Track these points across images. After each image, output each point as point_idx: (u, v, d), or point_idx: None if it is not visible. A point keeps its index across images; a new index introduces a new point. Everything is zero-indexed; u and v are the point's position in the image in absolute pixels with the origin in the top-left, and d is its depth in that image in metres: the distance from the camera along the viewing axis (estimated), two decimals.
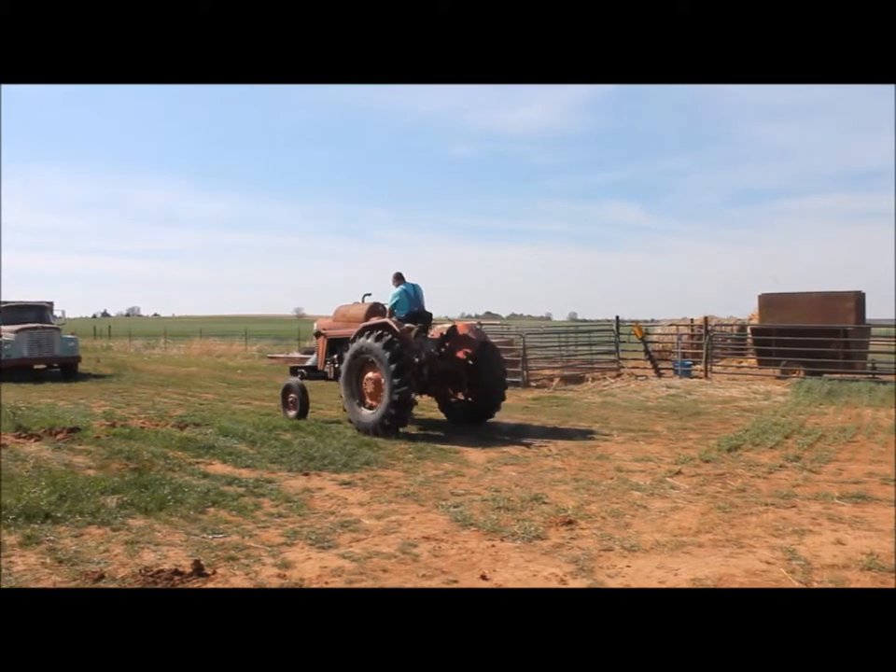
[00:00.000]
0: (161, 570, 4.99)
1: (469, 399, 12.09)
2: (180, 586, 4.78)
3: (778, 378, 19.56)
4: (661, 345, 25.71)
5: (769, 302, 21.65)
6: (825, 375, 18.59)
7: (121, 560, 5.26)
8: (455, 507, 6.79)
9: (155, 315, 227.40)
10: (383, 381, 10.75)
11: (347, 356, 11.33)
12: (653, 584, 4.85)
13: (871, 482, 7.84)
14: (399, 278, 12.00)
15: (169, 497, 6.86)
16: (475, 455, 9.47)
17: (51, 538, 5.70)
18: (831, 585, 4.78)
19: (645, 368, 22.02)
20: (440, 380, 11.78)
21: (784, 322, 20.54)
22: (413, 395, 10.78)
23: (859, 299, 20.42)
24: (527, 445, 10.15)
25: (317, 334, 13.16)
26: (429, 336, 11.73)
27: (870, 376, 19.23)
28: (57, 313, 23.24)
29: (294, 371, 13.43)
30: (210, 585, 4.83)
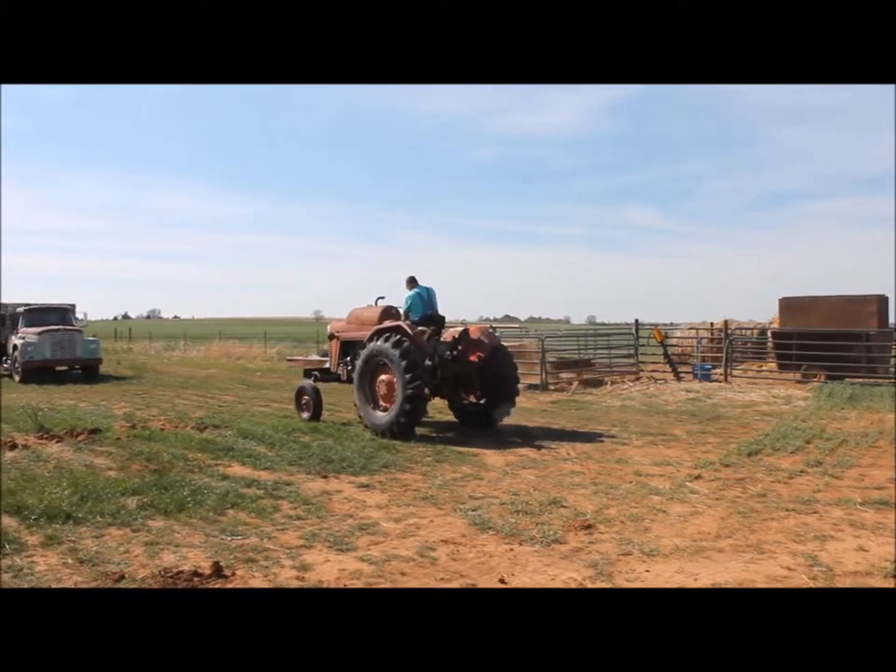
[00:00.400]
0: (181, 571, 5.02)
1: (481, 401, 12.08)
2: (199, 587, 4.80)
3: (799, 382, 19.39)
4: (680, 349, 25.57)
5: (790, 306, 21.47)
6: (847, 379, 18.40)
7: (141, 561, 5.29)
8: (473, 510, 6.78)
9: (175, 317, 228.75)
10: (395, 383, 10.81)
11: (360, 358, 11.41)
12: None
13: (893, 487, 7.75)
14: (412, 282, 12.06)
15: (188, 499, 6.90)
16: (493, 458, 9.45)
17: (73, 538, 5.75)
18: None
19: (664, 371, 21.90)
20: (452, 382, 11.80)
21: (805, 326, 20.36)
22: (425, 393, 10.80)
23: (881, 303, 20.21)
24: (546, 449, 10.12)
25: (331, 336, 13.26)
26: (442, 339, 11.75)
27: (892, 381, 19.02)
28: (79, 315, 23.48)
29: (307, 374, 13.55)
30: (229, 587, 4.85)
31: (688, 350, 25.20)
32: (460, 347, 11.72)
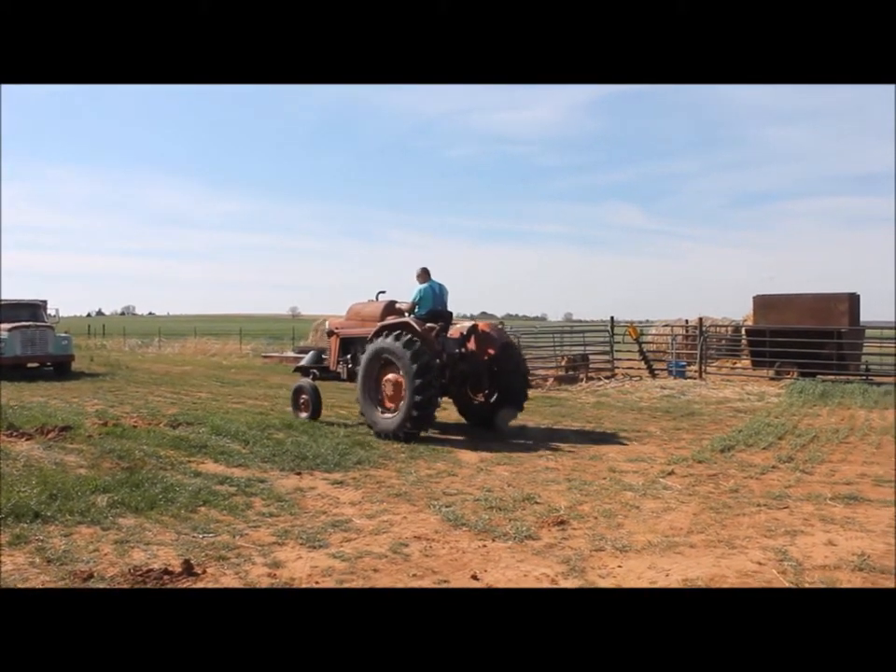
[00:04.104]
0: (151, 570, 4.96)
1: (490, 401, 11.63)
2: (169, 586, 4.75)
3: (772, 379, 19.58)
4: (655, 346, 25.75)
5: (764, 304, 21.67)
6: (819, 377, 18.61)
7: (111, 559, 5.23)
8: (446, 507, 6.77)
9: (150, 313, 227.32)
10: (403, 383, 10.31)
11: (365, 356, 10.87)
12: (644, 585, 4.83)
13: (863, 483, 7.85)
14: (425, 274, 11.43)
15: (160, 496, 6.83)
16: (468, 454, 9.45)
17: (41, 537, 5.67)
18: (822, 586, 4.77)
19: (639, 368, 22.03)
20: (459, 381, 11.36)
21: (778, 323, 20.56)
22: (435, 394, 10.35)
23: (853, 301, 20.45)
24: (520, 445, 10.13)
25: (330, 333, 12.76)
26: (449, 336, 11.31)
27: (863, 378, 19.26)
28: (51, 311, 23.18)
29: (305, 372, 13.05)
30: (200, 585, 4.80)
31: (663, 347, 25.38)
32: (469, 344, 11.35)
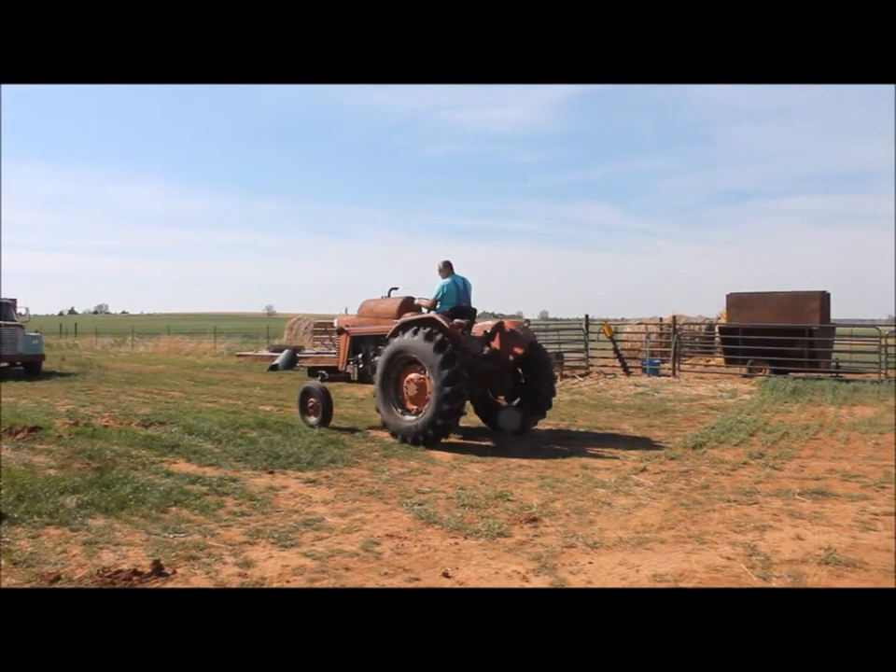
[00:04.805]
0: (120, 571, 4.91)
1: (513, 404, 11.04)
2: (139, 586, 4.71)
3: (745, 376, 19.76)
4: (630, 344, 25.90)
5: (737, 302, 21.85)
6: (790, 374, 18.81)
7: (79, 561, 5.17)
8: (419, 505, 6.77)
9: (123, 312, 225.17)
10: (428, 384, 9.76)
11: (384, 354, 10.25)
12: (615, 580, 4.86)
13: (831, 478, 7.95)
14: (448, 267, 10.82)
15: (131, 497, 6.77)
16: (441, 453, 9.45)
17: (7, 539, 5.59)
18: (789, 580, 4.82)
19: (614, 366, 22.15)
20: (482, 383, 10.66)
21: (751, 321, 20.75)
22: (465, 395, 9.73)
23: (823, 299, 20.68)
24: (494, 443, 10.15)
25: (340, 331, 12.12)
26: (472, 334, 10.65)
27: (833, 375, 19.50)
28: (20, 310, 22.87)
29: (313, 373, 12.40)
30: (170, 585, 4.77)
31: (637, 345, 25.52)
32: (494, 343, 10.63)
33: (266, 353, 28.65)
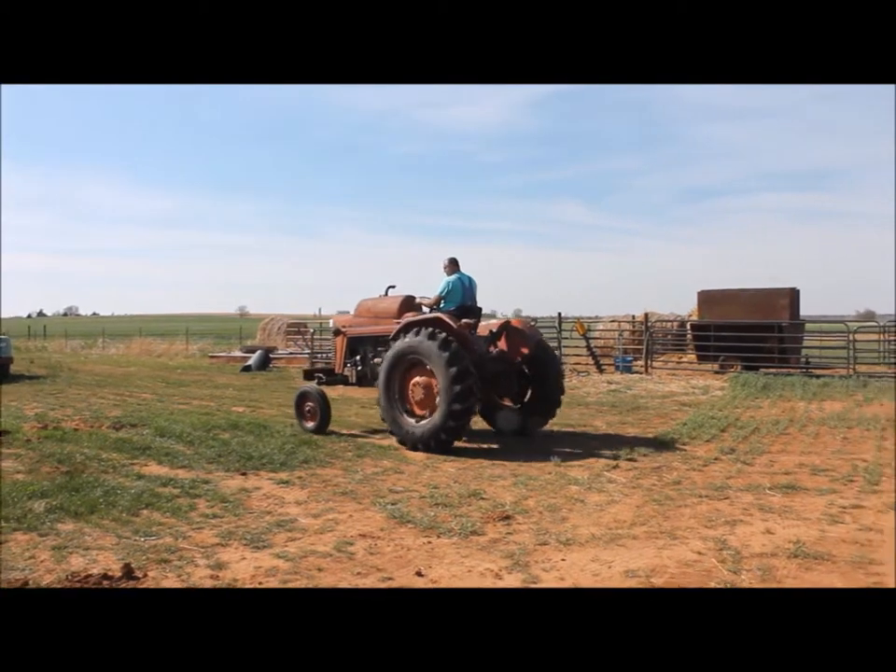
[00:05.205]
0: (90, 575, 4.86)
1: (519, 405, 10.73)
2: (106, 588, 4.66)
3: (717, 373, 19.96)
4: (602, 341, 26.04)
5: (708, 299, 22.06)
6: (761, 370, 19.02)
7: (48, 566, 5.10)
8: (392, 504, 6.76)
9: (94, 314, 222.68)
10: (435, 386, 9.38)
11: (388, 356, 9.82)
12: (587, 577, 4.89)
13: (801, 472, 8.05)
14: (453, 264, 10.40)
15: (101, 500, 6.70)
16: (415, 452, 9.44)
17: None
18: (759, 573, 4.87)
19: (587, 364, 22.26)
20: (488, 384, 10.01)
21: (722, 318, 20.96)
22: (476, 399, 9.34)
23: (793, 295, 20.95)
24: (467, 441, 10.15)
25: (336, 332, 11.60)
26: (478, 333, 10.30)
27: (803, 370, 19.74)
28: None
29: (310, 376, 11.89)
30: (140, 587, 4.72)
31: (610, 343, 25.67)
32: (500, 343, 10.31)
33: (239, 354, 28.48)
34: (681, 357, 23.96)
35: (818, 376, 18.22)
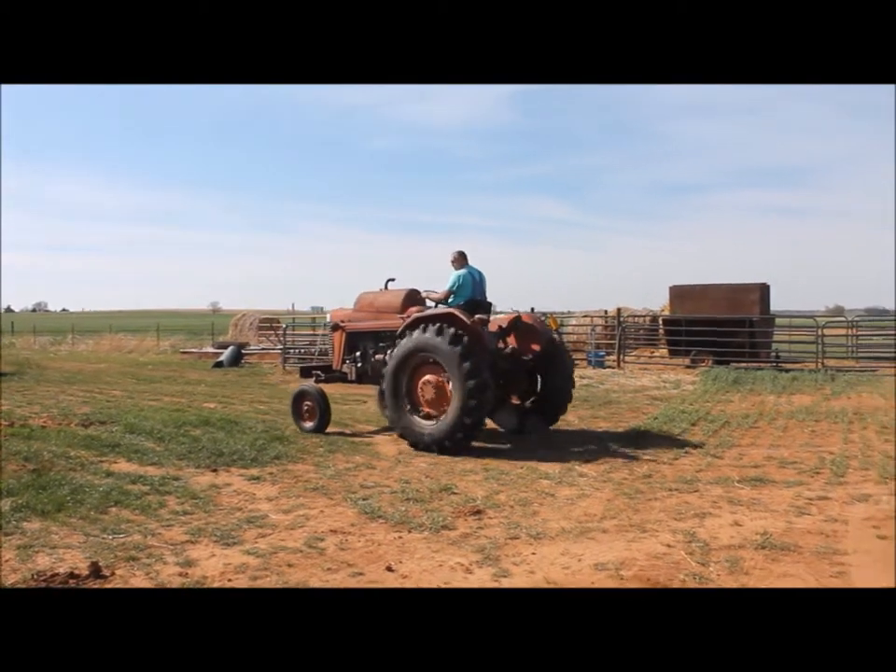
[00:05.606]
0: (56, 574, 4.79)
1: (528, 404, 10.37)
2: (73, 587, 4.61)
3: (688, 367, 20.12)
4: (575, 336, 26.15)
5: (680, 294, 22.23)
6: (732, 364, 19.21)
7: (12, 565, 5.02)
8: (364, 499, 6.75)
9: (64, 310, 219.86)
10: (447, 385, 9.07)
11: (395, 354, 9.42)
12: (557, 570, 4.91)
13: (769, 465, 8.15)
14: (462, 257, 10.03)
15: (68, 498, 6.61)
16: (387, 447, 9.44)
17: None
18: (727, 565, 4.92)
19: None
20: (498, 382, 9.54)
21: (694, 313, 21.13)
22: (491, 399, 9.03)
23: (763, 291, 21.17)
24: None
25: (334, 328, 11.13)
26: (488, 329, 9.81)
27: (773, 365, 19.96)
28: None
29: (307, 373, 11.41)
30: (108, 587, 4.68)
31: (583, 338, 25.79)
32: (510, 339, 9.96)
33: (211, 350, 28.27)
34: (653, 352, 24.12)
35: (787, 370, 18.43)
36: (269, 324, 33.75)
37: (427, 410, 9.30)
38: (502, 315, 10.49)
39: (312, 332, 29.67)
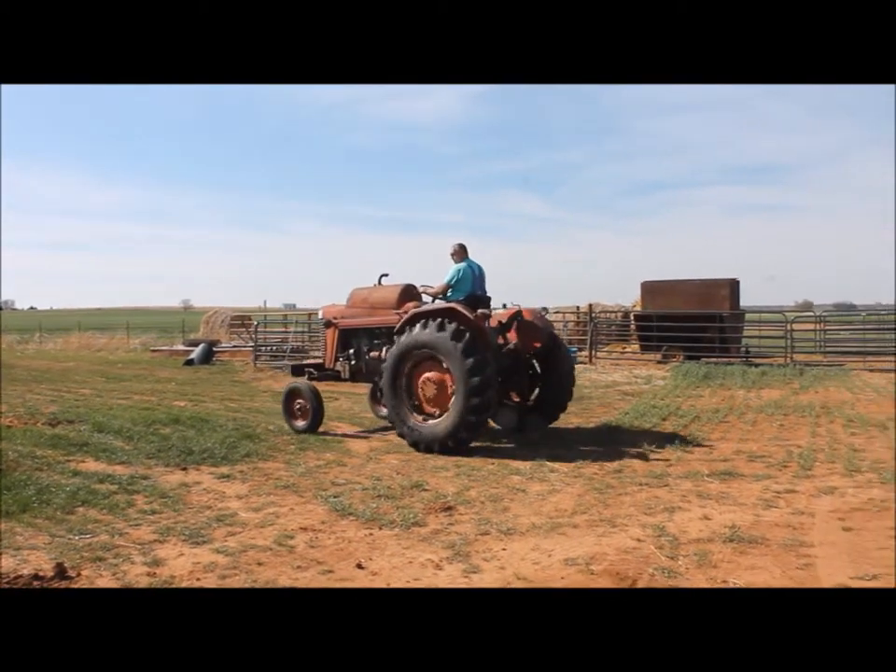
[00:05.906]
0: (20, 576, 4.71)
1: (529, 402, 10.11)
2: (37, 588, 4.54)
3: (660, 363, 20.27)
4: None
5: (651, 290, 22.38)
6: (702, 359, 19.36)
7: None
8: (334, 497, 6.72)
9: (31, 308, 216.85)
10: (448, 383, 8.84)
11: (393, 355, 9.18)
12: (528, 566, 4.92)
13: (738, 459, 8.22)
14: (462, 251, 9.78)
15: (34, 499, 6.51)
16: (358, 444, 9.41)
17: None
18: (695, 558, 4.95)
19: None
20: (499, 380, 9.19)
21: (665, 308, 21.28)
22: (494, 397, 8.83)
23: (733, 286, 21.36)
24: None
25: (327, 324, 10.87)
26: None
27: (743, 360, 20.16)
28: None
29: (299, 371, 11.18)
30: (73, 587, 4.61)
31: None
32: (511, 335, 9.64)
33: (181, 347, 28.03)
34: (625, 348, 24.26)
35: (757, 365, 18.61)
36: (240, 321, 33.55)
37: (428, 408, 9.06)
38: (501, 311, 10.11)
39: (284, 329, 29.55)
